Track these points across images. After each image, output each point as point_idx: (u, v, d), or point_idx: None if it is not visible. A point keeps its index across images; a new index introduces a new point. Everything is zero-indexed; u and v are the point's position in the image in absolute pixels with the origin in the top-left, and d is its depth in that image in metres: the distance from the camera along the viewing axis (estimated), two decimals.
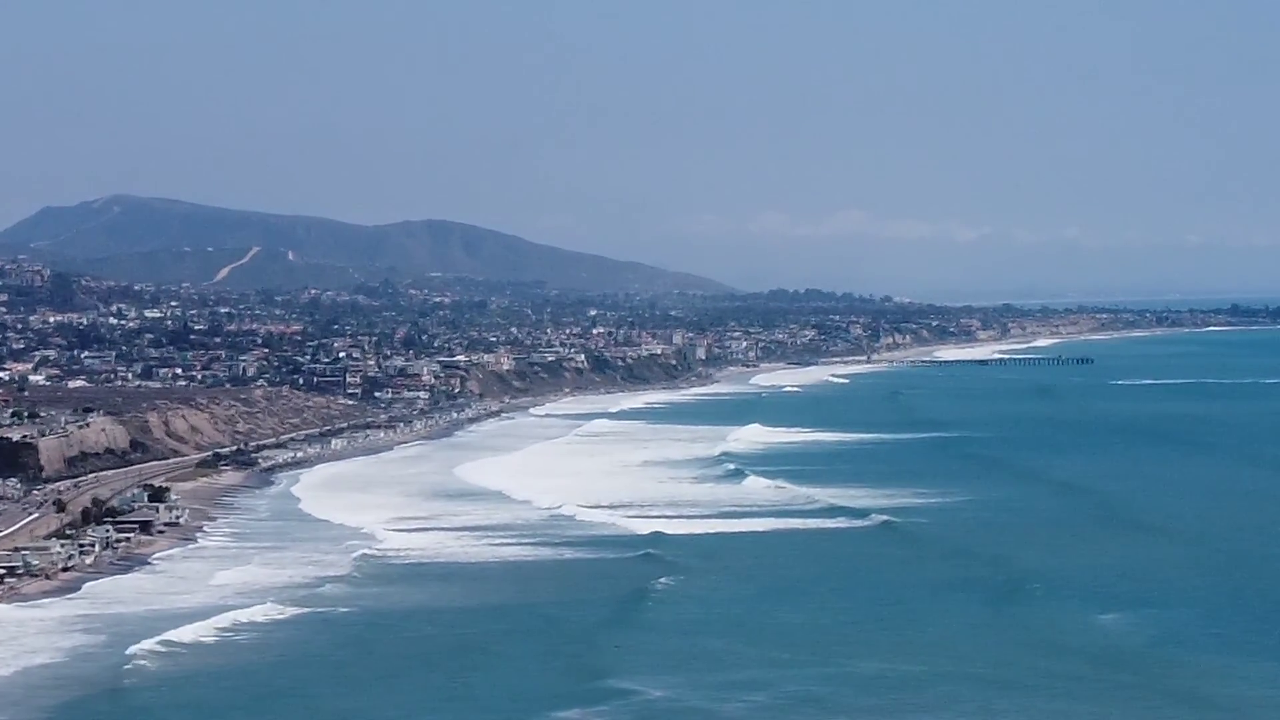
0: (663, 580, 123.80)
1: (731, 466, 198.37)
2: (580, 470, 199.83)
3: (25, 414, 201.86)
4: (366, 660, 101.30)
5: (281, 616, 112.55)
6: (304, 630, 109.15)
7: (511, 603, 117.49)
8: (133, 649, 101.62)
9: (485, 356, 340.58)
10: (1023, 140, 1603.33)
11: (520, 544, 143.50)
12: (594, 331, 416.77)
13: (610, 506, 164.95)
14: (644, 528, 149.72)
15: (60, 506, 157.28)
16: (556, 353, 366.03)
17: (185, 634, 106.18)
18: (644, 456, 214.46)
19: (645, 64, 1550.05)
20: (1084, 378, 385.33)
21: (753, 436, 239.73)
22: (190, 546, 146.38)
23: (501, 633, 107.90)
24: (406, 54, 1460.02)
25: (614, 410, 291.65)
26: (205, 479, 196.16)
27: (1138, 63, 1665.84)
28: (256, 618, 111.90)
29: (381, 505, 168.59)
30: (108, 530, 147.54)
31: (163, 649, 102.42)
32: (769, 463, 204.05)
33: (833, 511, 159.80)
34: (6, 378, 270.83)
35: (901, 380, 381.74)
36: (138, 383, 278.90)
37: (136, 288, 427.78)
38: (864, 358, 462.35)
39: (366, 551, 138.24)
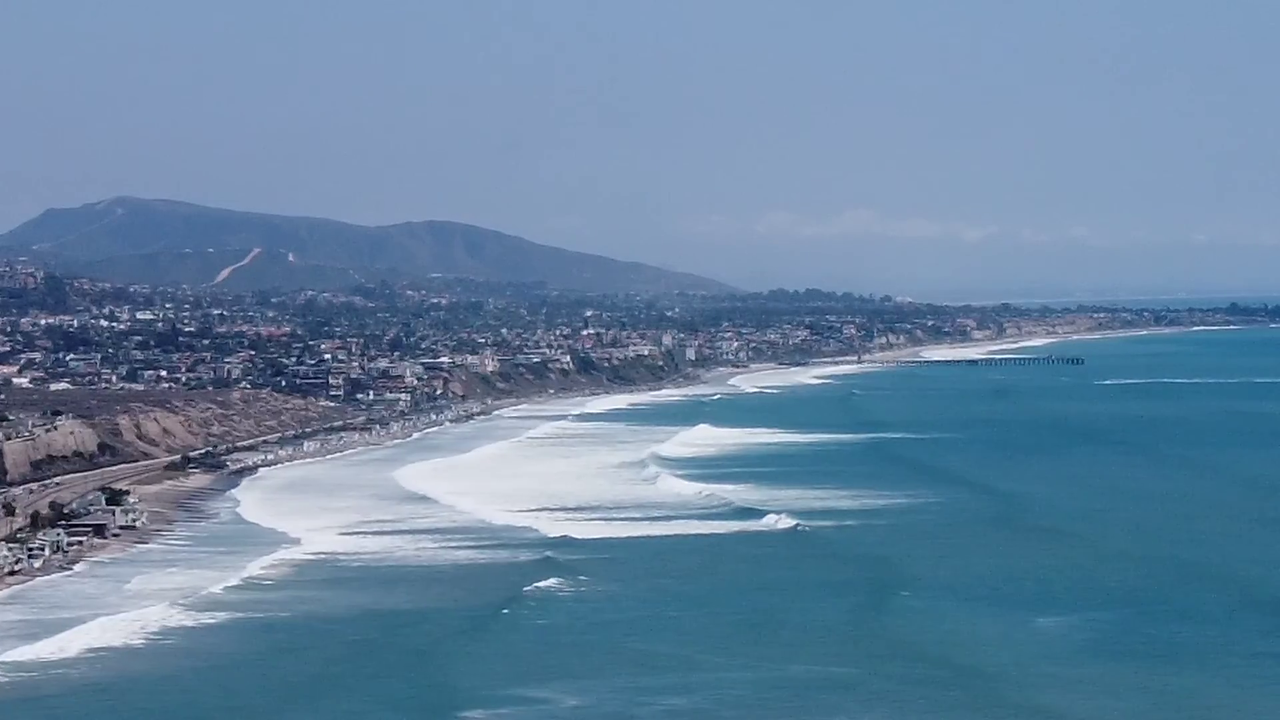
0: (545, 584, 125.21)
1: (655, 469, 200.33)
2: (516, 473, 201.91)
3: None
4: (254, 665, 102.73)
5: (162, 625, 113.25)
6: (196, 637, 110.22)
7: (401, 608, 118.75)
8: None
9: (470, 358, 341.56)
10: (1030, 139, 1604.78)
11: (432, 548, 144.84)
12: (583, 333, 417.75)
13: (530, 510, 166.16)
14: (555, 530, 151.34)
15: (8, 510, 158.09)
16: (542, 354, 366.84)
17: (69, 641, 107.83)
18: (586, 457, 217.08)
19: (651, 63, 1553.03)
20: (1071, 378, 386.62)
21: (696, 438, 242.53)
22: (140, 549, 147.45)
23: (376, 640, 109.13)
24: (411, 54, 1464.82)
25: (576, 413, 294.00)
26: (172, 482, 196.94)
27: (1145, 62, 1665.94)
28: (135, 626, 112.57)
29: (319, 510, 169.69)
30: (59, 534, 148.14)
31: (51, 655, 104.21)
32: (699, 465, 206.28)
33: (743, 514, 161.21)
34: None
35: (876, 381, 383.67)
36: (122, 385, 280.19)
37: (131, 289, 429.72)
38: (855, 358, 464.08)
39: (285, 556, 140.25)
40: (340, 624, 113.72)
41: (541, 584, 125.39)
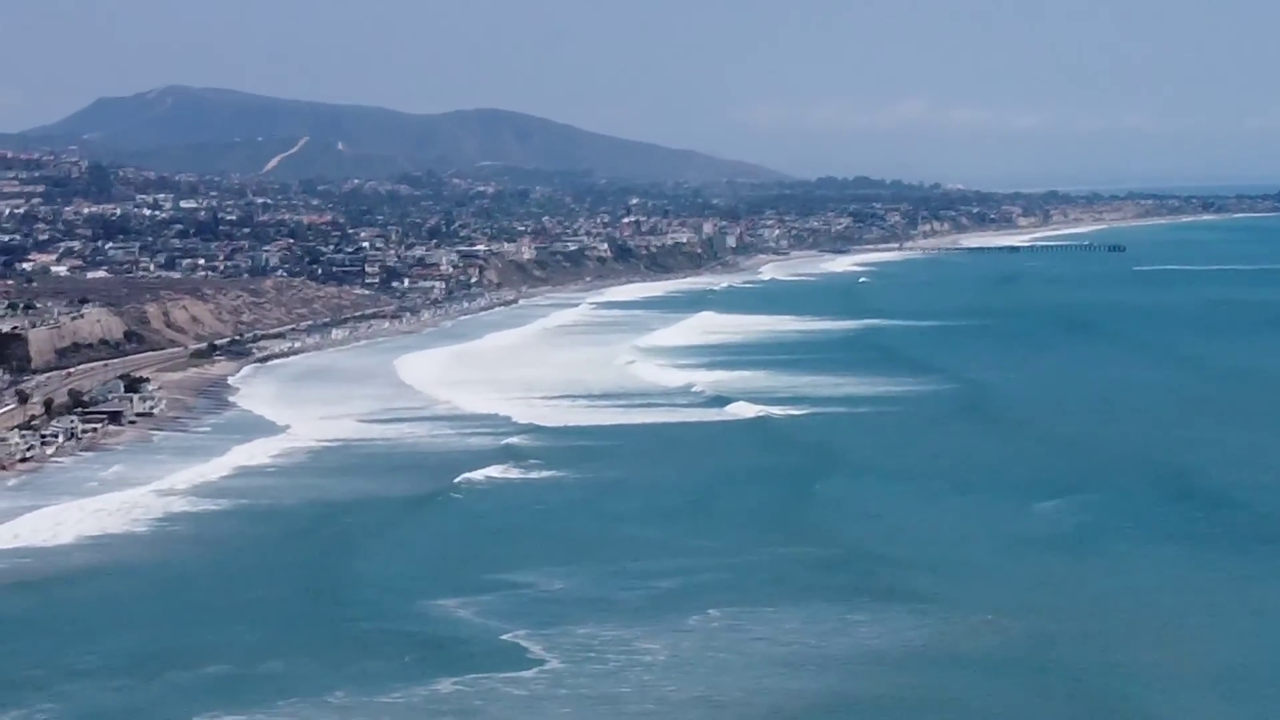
0: (499, 470, 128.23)
1: (637, 357, 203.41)
2: (517, 361, 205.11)
3: (21, 305, 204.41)
4: (253, 550, 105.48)
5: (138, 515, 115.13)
6: (198, 523, 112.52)
7: (360, 495, 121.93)
8: None
9: (507, 246, 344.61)
10: (1085, 26, 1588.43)
11: (406, 436, 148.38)
12: (623, 220, 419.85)
13: (509, 397, 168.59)
14: (526, 418, 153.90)
15: (22, 398, 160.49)
16: (580, 242, 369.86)
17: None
18: (588, 347, 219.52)
19: None
20: (1108, 265, 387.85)
21: (697, 324, 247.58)
22: (157, 436, 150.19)
23: (340, 524, 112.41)
24: None
25: (599, 300, 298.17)
26: (196, 369, 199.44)
27: None
28: (138, 513, 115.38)
29: (326, 399, 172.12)
30: (73, 421, 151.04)
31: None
32: (688, 354, 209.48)
33: (714, 402, 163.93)
34: (30, 268, 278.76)
35: (905, 269, 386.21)
36: (159, 273, 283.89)
37: (177, 178, 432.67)
38: (897, 245, 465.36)
39: (283, 445, 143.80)
40: (334, 508, 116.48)
41: (494, 471, 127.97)
